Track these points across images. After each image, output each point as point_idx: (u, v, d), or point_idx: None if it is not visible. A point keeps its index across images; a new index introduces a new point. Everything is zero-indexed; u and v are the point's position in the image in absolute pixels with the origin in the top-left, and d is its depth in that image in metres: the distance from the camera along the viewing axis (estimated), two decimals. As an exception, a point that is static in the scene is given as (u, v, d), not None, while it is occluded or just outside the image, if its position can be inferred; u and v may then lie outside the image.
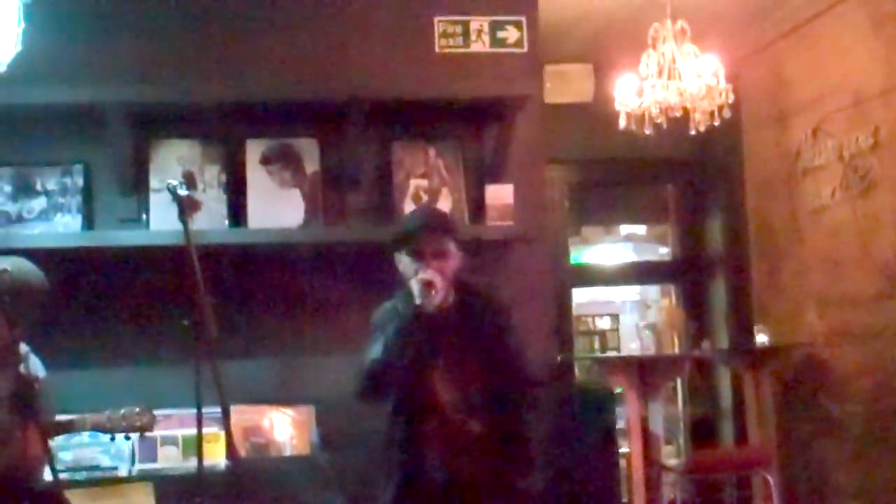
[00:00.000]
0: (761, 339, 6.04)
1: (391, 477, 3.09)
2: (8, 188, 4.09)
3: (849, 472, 5.70)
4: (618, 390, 5.42)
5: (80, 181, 4.12)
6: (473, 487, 2.99)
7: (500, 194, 4.27)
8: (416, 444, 3.05)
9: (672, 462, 5.58)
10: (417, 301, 2.95)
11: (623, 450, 5.35)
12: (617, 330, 7.71)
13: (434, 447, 3.03)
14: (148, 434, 3.67)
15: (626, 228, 8.53)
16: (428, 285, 2.94)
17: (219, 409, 2.81)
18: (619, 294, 8.29)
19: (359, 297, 4.20)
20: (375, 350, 3.02)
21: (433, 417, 3.03)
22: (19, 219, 4.06)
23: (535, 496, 3.08)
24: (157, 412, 3.33)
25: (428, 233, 3.06)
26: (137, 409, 3.19)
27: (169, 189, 2.89)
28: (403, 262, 3.08)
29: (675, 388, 6.96)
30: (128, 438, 3.23)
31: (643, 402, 5.27)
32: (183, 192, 2.90)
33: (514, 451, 3.03)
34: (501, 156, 4.40)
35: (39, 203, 4.09)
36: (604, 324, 8.45)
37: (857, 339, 5.62)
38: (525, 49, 4.52)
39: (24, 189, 4.10)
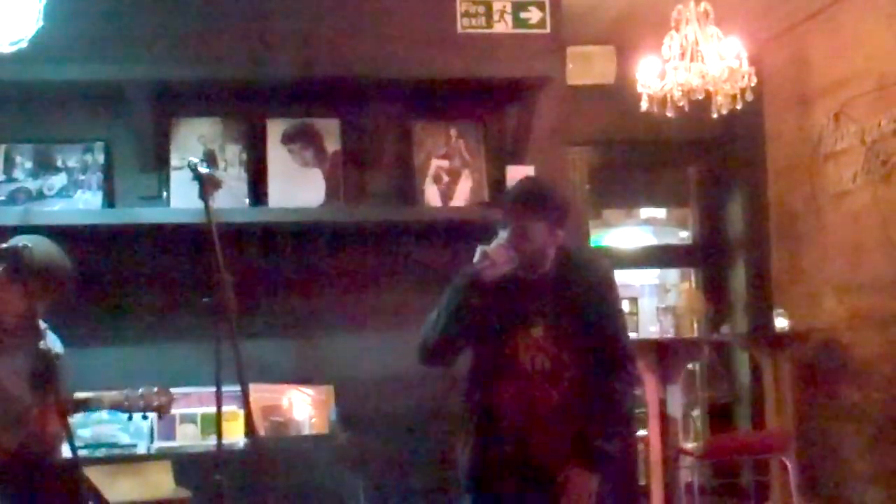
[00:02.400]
0: (781, 323, 6.02)
1: (467, 443, 3.09)
2: (29, 165, 4.08)
3: (867, 458, 5.68)
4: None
5: (100, 158, 4.12)
6: (556, 456, 2.96)
7: (520, 175, 4.23)
8: (493, 410, 3.03)
9: (690, 446, 5.57)
10: (471, 268, 2.94)
11: (641, 433, 5.36)
12: (636, 313, 7.65)
13: (511, 414, 3.01)
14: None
15: (645, 212, 8.49)
16: (484, 256, 2.93)
17: (238, 388, 2.82)
18: (638, 277, 8.25)
19: (379, 278, 4.22)
20: (431, 313, 3.03)
21: (512, 384, 3.01)
22: (40, 195, 4.06)
23: (615, 467, 3.06)
24: (175, 390, 3.34)
25: (511, 206, 3.04)
26: (155, 389, 3.19)
27: (190, 166, 2.89)
28: (498, 227, 3.06)
29: (693, 372, 6.95)
30: (145, 418, 3.23)
31: (662, 385, 5.26)
32: (204, 169, 2.89)
33: (607, 420, 3.00)
34: (523, 137, 4.38)
35: (60, 180, 4.08)
36: (622, 307, 8.43)
37: (877, 325, 5.60)
38: (548, 30, 4.49)
39: (44, 166, 4.09)
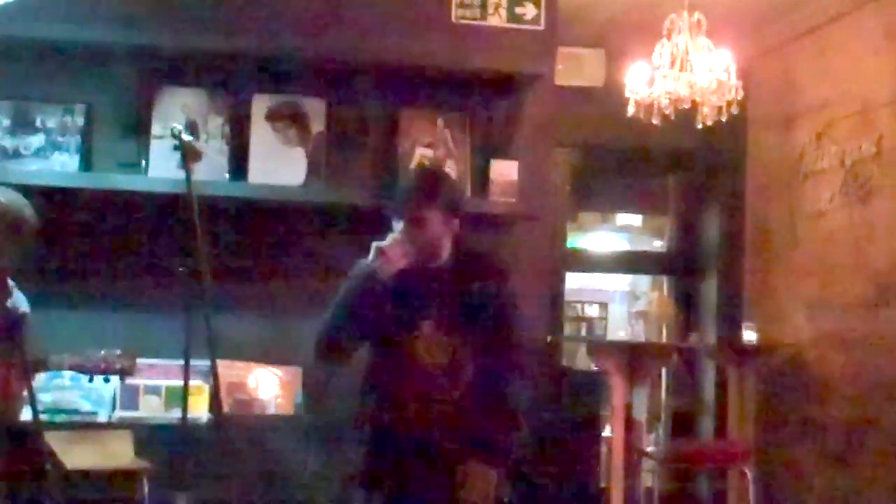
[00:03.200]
0: (749, 336, 6.04)
1: (363, 438, 3.05)
2: (7, 122, 4.02)
3: (824, 476, 5.72)
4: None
5: (80, 121, 4.06)
6: (454, 451, 2.93)
7: (504, 170, 4.24)
8: (391, 407, 3.00)
9: (651, 449, 5.58)
10: (368, 265, 2.90)
11: (604, 434, 5.37)
12: (605, 318, 7.71)
13: (409, 409, 2.97)
14: (130, 381, 3.67)
15: (622, 219, 8.53)
16: (380, 252, 2.89)
17: (205, 363, 2.78)
18: (609, 283, 8.29)
19: (355, 261, 4.18)
20: (328, 310, 2.99)
21: (409, 379, 2.97)
22: (16, 154, 4.00)
23: (512, 462, 3.03)
24: (141, 361, 3.30)
25: (407, 196, 3.00)
26: (118, 352, 3.13)
27: (173, 133, 2.85)
28: (393, 220, 3.01)
29: (659, 377, 6.98)
30: (107, 381, 3.16)
31: (629, 388, 5.27)
32: (187, 137, 2.86)
33: (497, 414, 2.96)
34: (509, 132, 4.37)
35: (38, 140, 4.02)
36: (592, 311, 8.46)
37: (844, 345, 5.64)
38: (542, 27, 4.48)
39: (23, 124, 4.02)
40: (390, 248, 2.89)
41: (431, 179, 3.11)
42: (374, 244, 2.91)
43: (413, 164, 4.23)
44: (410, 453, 2.96)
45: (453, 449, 2.94)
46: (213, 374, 2.81)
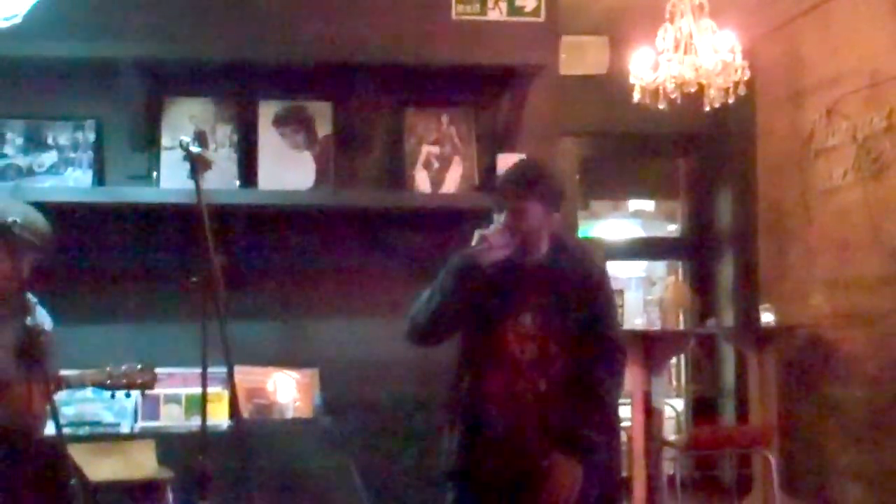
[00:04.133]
0: (767, 318, 6.04)
1: (453, 430, 3.06)
2: (19, 141, 4.07)
3: (849, 455, 5.71)
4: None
5: (91, 136, 4.10)
6: (541, 446, 2.94)
7: (511, 164, 4.24)
8: (480, 398, 3.01)
9: (673, 438, 5.59)
10: (469, 252, 2.93)
11: (625, 424, 5.37)
12: (622, 305, 7.67)
13: (500, 401, 2.98)
14: (151, 392, 3.70)
15: (634, 204, 8.51)
16: (482, 240, 2.91)
17: (223, 369, 2.81)
18: (624, 270, 8.27)
19: (367, 262, 4.22)
20: (424, 292, 3.01)
21: (501, 371, 2.99)
22: (30, 172, 4.04)
23: (599, 458, 3.04)
24: (160, 370, 3.32)
25: (508, 188, 3.02)
26: (139, 367, 3.17)
27: (181, 146, 2.87)
28: (494, 211, 3.04)
29: (678, 365, 6.98)
30: (128, 396, 3.21)
31: (647, 377, 5.27)
32: (195, 149, 2.88)
33: (586, 409, 2.97)
34: (514, 126, 4.37)
35: (50, 157, 4.07)
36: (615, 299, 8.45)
37: (863, 323, 5.62)
38: (542, 19, 4.47)
39: (35, 142, 4.07)
40: (493, 236, 2.92)
41: (532, 173, 3.11)
42: (477, 231, 2.95)
43: (419, 163, 4.25)
44: (499, 446, 2.98)
45: (540, 442, 2.95)
46: (230, 380, 2.84)
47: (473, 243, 2.93)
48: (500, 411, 2.99)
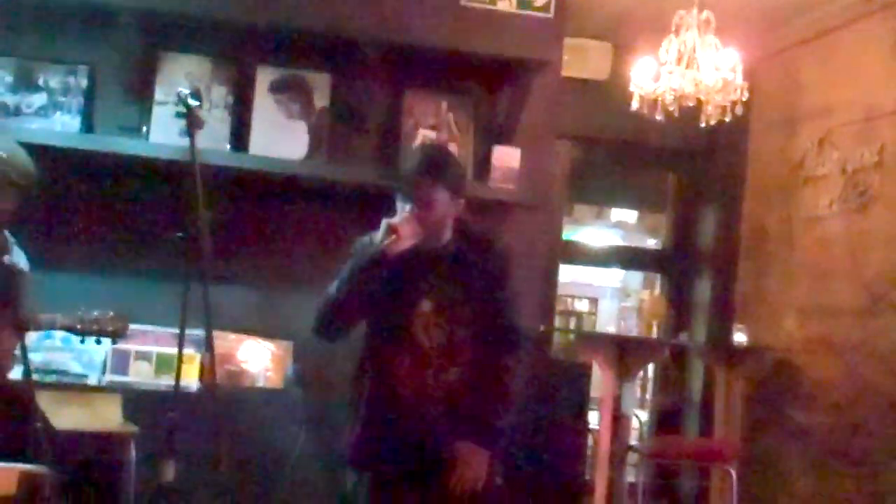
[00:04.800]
0: (739, 338, 6.06)
1: (357, 418, 3.03)
2: (9, 79, 4.01)
3: (808, 480, 5.73)
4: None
5: (83, 82, 4.04)
6: (448, 433, 2.92)
7: (506, 157, 4.23)
8: (387, 385, 2.98)
9: (638, 444, 5.59)
10: (378, 241, 2.88)
11: (592, 427, 5.37)
12: (595, 313, 7.71)
13: (405, 389, 2.96)
14: (122, 347, 3.67)
15: (616, 215, 8.52)
16: (391, 229, 2.86)
17: (197, 332, 2.77)
18: (599, 279, 8.29)
19: (353, 240, 4.16)
20: (331, 284, 2.96)
21: (406, 358, 2.96)
22: (17, 112, 3.99)
23: (504, 447, 3.02)
24: (134, 327, 3.28)
25: (414, 175, 2.96)
26: (111, 314, 3.13)
27: (179, 98, 2.83)
28: (396, 200, 2.99)
29: (647, 374, 6.99)
30: (98, 342, 3.15)
31: (617, 382, 5.27)
32: (193, 102, 2.83)
33: (491, 396, 2.96)
34: (513, 119, 4.36)
35: (39, 98, 4.01)
36: (582, 306, 8.47)
37: (833, 352, 5.64)
38: (551, 14, 4.46)
39: (25, 83, 4.02)
40: (401, 225, 2.87)
41: (438, 158, 3.08)
42: (385, 221, 2.89)
43: (416, 145, 4.21)
44: (404, 433, 2.95)
45: (447, 429, 2.92)
46: (208, 343, 2.80)
47: (381, 233, 2.88)
48: (408, 399, 2.95)
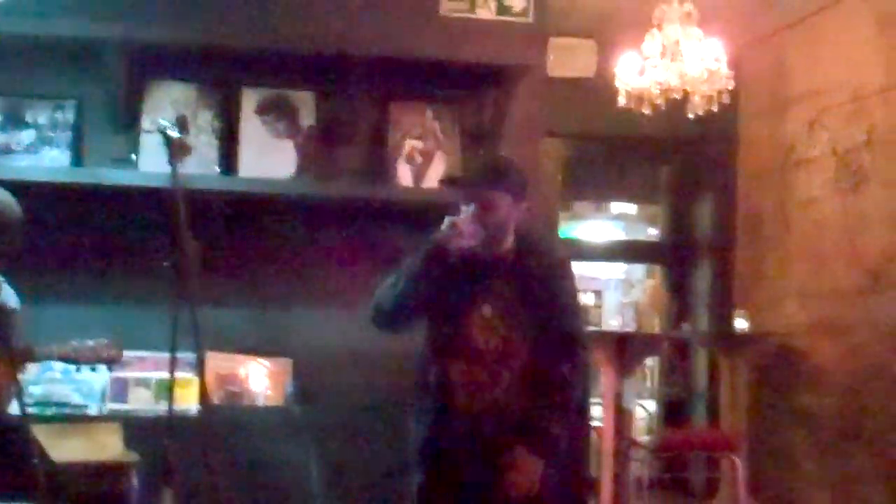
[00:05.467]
0: (741, 325, 6.08)
1: (421, 420, 3.08)
2: (-2, 118, 4.05)
3: (816, 464, 5.75)
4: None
5: (71, 117, 4.08)
6: (503, 437, 2.95)
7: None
8: (444, 388, 3.02)
9: (643, 439, 5.62)
10: (438, 238, 2.94)
11: (595, 423, 5.39)
12: (600, 307, 7.72)
13: (464, 392, 2.99)
14: (120, 374, 3.71)
15: (616, 207, 8.53)
16: (453, 226, 2.93)
17: (194, 355, 2.80)
18: (603, 271, 8.30)
19: (345, 254, 4.21)
20: (390, 277, 3.03)
21: (466, 362, 3.00)
22: (7, 150, 4.01)
23: (561, 450, 3.04)
24: (131, 353, 3.33)
25: (477, 178, 3.05)
26: (105, 341, 3.17)
27: (160, 130, 2.87)
28: (461, 202, 3.04)
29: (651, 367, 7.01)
30: (93, 370, 3.20)
31: (619, 377, 5.29)
32: (174, 133, 2.87)
33: (548, 403, 2.98)
34: (499, 124, 4.38)
35: (28, 136, 4.05)
36: (587, 300, 8.47)
37: (836, 333, 5.66)
38: (530, 19, 4.48)
39: (13, 120, 4.05)
40: (463, 223, 2.93)
41: (501, 164, 3.18)
42: (448, 218, 2.96)
43: (402, 157, 4.26)
44: (461, 435, 2.99)
45: (501, 433, 2.96)
46: (199, 366, 2.84)
47: (443, 229, 2.94)
48: (465, 401, 3.00)
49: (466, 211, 2.98)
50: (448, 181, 3.19)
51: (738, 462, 5.35)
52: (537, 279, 3.03)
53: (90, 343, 3.14)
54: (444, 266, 2.95)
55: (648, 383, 7.24)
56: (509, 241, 3.06)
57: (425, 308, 3.05)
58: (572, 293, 3.17)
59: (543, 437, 2.97)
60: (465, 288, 3.01)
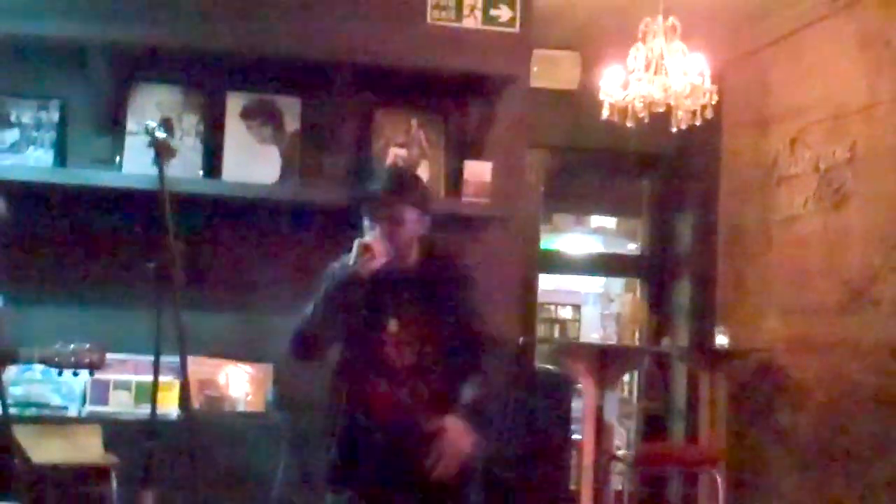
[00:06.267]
0: (721, 340, 6.09)
1: (335, 438, 3.04)
2: (-19, 117, 4.03)
3: (794, 481, 5.76)
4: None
5: (55, 116, 4.07)
6: (420, 451, 2.88)
7: (478, 171, 4.26)
8: (361, 406, 2.99)
9: (622, 453, 5.62)
10: (351, 262, 2.90)
11: (575, 437, 5.38)
12: (578, 320, 7.73)
13: (380, 409, 2.97)
14: (100, 376, 3.67)
15: (596, 221, 8.55)
16: (365, 249, 2.88)
17: (175, 359, 2.78)
18: (582, 285, 8.31)
19: (328, 261, 4.19)
20: (307, 308, 2.98)
21: (380, 378, 2.97)
22: (-10, 149, 4.00)
23: (483, 463, 3.02)
24: (112, 356, 3.29)
25: (384, 195, 2.98)
26: (88, 346, 3.13)
27: (147, 130, 2.84)
28: (363, 220, 3.01)
29: (631, 381, 7.01)
30: (76, 374, 3.17)
31: (600, 391, 5.29)
32: (161, 134, 2.85)
33: (468, 387, 2.94)
34: (483, 133, 4.39)
35: (12, 135, 4.03)
36: (566, 313, 8.49)
37: (816, 350, 5.68)
38: (517, 29, 4.50)
39: (-3, 119, 4.04)
40: (374, 244, 2.90)
41: (405, 177, 3.15)
42: (357, 241, 2.91)
43: (388, 164, 4.24)
44: (380, 452, 2.95)
45: (425, 448, 2.88)
46: (182, 369, 2.81)
47: (355, 252, 2.90)
48: (382, 418, 2.97)
49: (372, 227, 2.95)
50: (362, 197, 3.10)
51: (718, 477, 5.34)
52: (443, 289, 3.02)
53: (72, 347, 3.10)
54: (355, 288, 2.92)
55: (634, 399, 7.23)
56: (414, 255, 3.04)
57: (339, 332, 3.01)
58: (475, 296, 3.12)
59: (468, 409, 2.88)
60: (374, 304, 2.98)
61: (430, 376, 2.98)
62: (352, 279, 2.89)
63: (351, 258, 2.90)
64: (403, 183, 3.05)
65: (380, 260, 2.89)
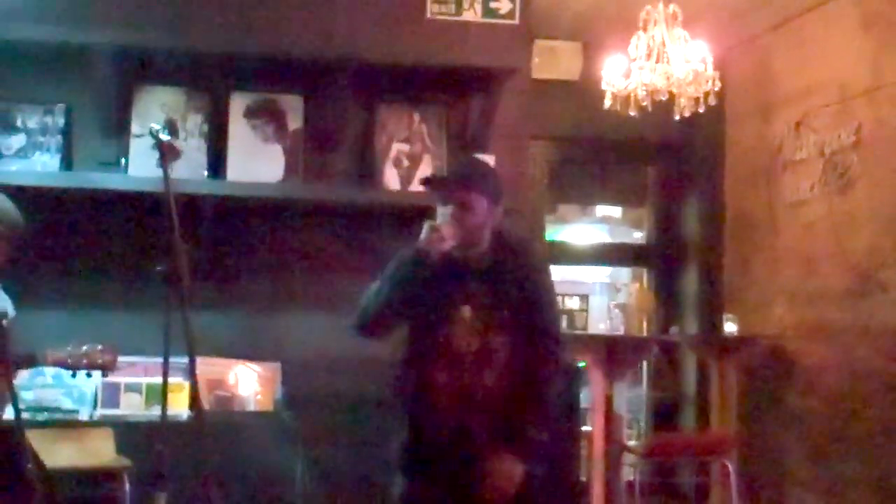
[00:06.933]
0: (730, 328, 6.07)
1: (402, 425, 3.06)
2: (-12, 123, 4.05)
3: (807, 466, 5.75)
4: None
5: (61, 121, 4.09)
6: (485, 439, 2.94)
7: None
8: (425, 393, 3.01)
9: (633, 444, 5.61)
10: (420, 243, 2.94)
11: (585, 428, 5.38)
12: (586, 310, 7.69)
13: (445, 395, 2.98)
14: (111, 379, 3.69)
15: (601, 210, 8.52)
16: (433, 230, 2.93)
17: (184, 360, 2.79)
18: (589, 275, 8.28)
19: (333, 258, 4.22)
20: (373, 284, 3.02)
21: (446, 365, 2.99)
22: (-3, 155, 4.02)
23: (544, 452, 3.03)
24: (122, 359, 3.31)
25: (453, 181, 3.06)
26: (100, 347, 3.16)
27: (151, 133, 2.85)
28: (438, 204, 3.05)
29: (640, 371, 6.99)
30: (89, 376, 3.19)
31: (608, 381, 5.29)
32: (165, 136, 2.87)
33: (528, 407, 2.98)
34: (486, 126, 4.40)
35: (18, 140, 4.06)
36: (573, 304, 8.46)
37: (825, 335, 5.66)
38: (516, 21, 4.51)
39: (3, 125, 4.07)
40: (444, 227, 2.94)
41: (476, 167, 3.25)
42: (427, 222, 2.96)
43: (389, 160, 4.27)
44: (445, 438, 2.98)
45: (485, 435, 2.94)
46: (191, 370, 2.83)
47: (423, 234, 2.94)
48: (446, 405, 2.99)
49: (444, 214, 2.99)
50: (428, 181, 3.18)
51: (730, 466, 5.34)
52: (515, 280, 3.04)
53: (84, 349, 3.12)
54: (425, 270, 2.95)
55: (644, 390, 7.22)
56: (486, 244, 3.06)
57: (407, 314, 3.04)
58: (549, 294, 3.16)
59: (525, 441, 2.96)
60: (444, 291, 3.01)
61: (494, 364, 2.99)
62: (417, 258, 2.94)
63: (420, 239, 2.94)
64: (474, 171, 3.15)
65: (448, 243, 2.94)
